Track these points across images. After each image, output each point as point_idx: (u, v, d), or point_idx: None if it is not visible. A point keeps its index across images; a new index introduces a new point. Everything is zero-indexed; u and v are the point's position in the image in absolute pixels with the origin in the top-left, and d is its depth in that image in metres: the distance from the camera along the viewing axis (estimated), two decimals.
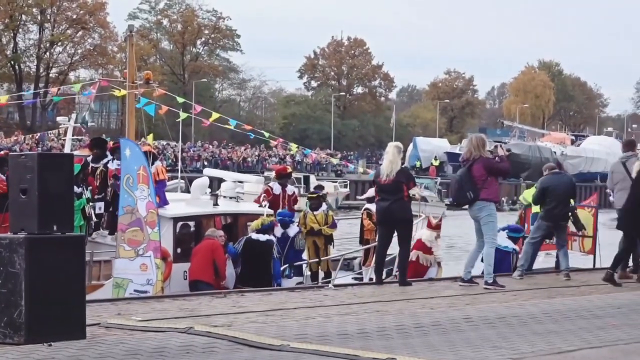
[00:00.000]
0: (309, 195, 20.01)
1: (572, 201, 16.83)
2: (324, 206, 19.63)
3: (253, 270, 16.96)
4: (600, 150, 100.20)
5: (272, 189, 19.91)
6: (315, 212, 19.27)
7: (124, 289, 15.94)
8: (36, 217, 8.71)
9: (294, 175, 65.27)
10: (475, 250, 14.79)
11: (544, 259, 19.74)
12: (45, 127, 75.15)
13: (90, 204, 18.32)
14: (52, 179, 8.82)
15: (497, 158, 14.65)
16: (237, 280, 17.15)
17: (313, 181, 66.13)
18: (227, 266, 17.03)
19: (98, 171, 19.08)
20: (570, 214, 16.57)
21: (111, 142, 20.74)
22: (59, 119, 22.95)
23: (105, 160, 19.12)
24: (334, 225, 19.44)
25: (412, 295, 13.50)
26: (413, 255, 16.48)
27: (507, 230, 17.67)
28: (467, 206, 14.67)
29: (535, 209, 17.40)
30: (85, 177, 18.42)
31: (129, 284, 16.10)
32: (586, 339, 9.81)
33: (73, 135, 22.23)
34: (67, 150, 20.00)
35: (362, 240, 19.62)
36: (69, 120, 21.51)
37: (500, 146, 16.07)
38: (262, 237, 17.11)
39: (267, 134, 28.80)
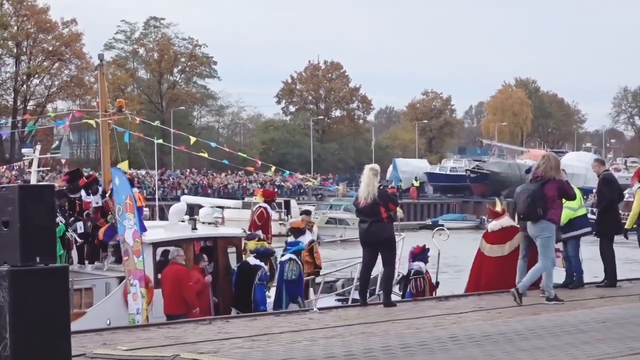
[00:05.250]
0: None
1: None
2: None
3: (242, 295, 16.94)
4: (579, 166, 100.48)
5: (266, 209, 20.34)
6: None
7: (135, 323, 15.79)
8: (18, 249, 8.66)
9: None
10: (524, 265, 14.99)
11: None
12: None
13: (69, 228, 18.28)
14: (34, 211, 8.75)
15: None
16: (232, 304, 17.23)
17: (294, 205, 66.17)
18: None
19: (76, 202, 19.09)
20: None
21: (84, 177, 20.54)
22: (23, 150, 22.58)
23: (78, 193, 19.10)
24: None
25: (397, 315, 13.50)
26: None
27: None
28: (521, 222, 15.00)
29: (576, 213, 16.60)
30: (60, 207, 18.32)
31: (136, 317, 16.12)
32: (572, 354, 9.84)
33: (40, 167, 21.89)
34: (33, 181, 19.77)
35: None
36: (34, 152, 21.33)
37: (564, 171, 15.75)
38: (252, 262, 17.14)
39: (244, 155, 28.70)
